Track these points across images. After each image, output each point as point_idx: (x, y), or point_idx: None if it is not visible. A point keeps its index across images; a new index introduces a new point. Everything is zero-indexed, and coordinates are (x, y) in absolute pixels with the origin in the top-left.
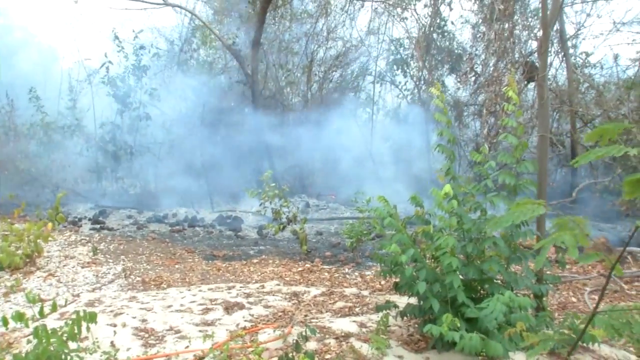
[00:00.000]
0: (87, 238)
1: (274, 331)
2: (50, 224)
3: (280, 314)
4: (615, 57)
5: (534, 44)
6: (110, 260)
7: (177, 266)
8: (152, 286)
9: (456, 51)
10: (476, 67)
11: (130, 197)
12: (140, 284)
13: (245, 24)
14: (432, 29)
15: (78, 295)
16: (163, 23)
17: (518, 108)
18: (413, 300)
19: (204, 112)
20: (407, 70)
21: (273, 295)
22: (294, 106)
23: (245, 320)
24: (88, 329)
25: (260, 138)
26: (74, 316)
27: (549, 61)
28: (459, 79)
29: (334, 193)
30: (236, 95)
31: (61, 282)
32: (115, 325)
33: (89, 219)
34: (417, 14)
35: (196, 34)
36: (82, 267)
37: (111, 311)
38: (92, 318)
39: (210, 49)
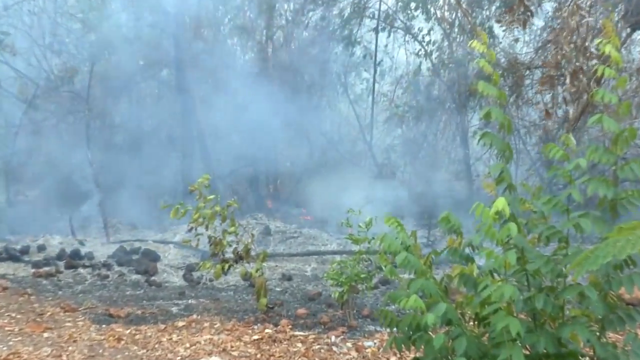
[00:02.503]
0: None
1: None
2: None
3: None
4: None
5: None
6: None
7: (46, 334)
8: None
9: None
10: (544, 6)
11: None
12: None
13: None
14: None
15: None
16: None
17: (620, 73)
18: None
19: (93, 74)
20: (432, 10)
21: None
22: (245, 67)
23: None
24: None
25: (187, 120)
26: None
27: None
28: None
29: (307, 212)
30: (148, 49)
31: None
32: None
33: None
34: None
35: None
36: None
37: None
38: None
39: None
